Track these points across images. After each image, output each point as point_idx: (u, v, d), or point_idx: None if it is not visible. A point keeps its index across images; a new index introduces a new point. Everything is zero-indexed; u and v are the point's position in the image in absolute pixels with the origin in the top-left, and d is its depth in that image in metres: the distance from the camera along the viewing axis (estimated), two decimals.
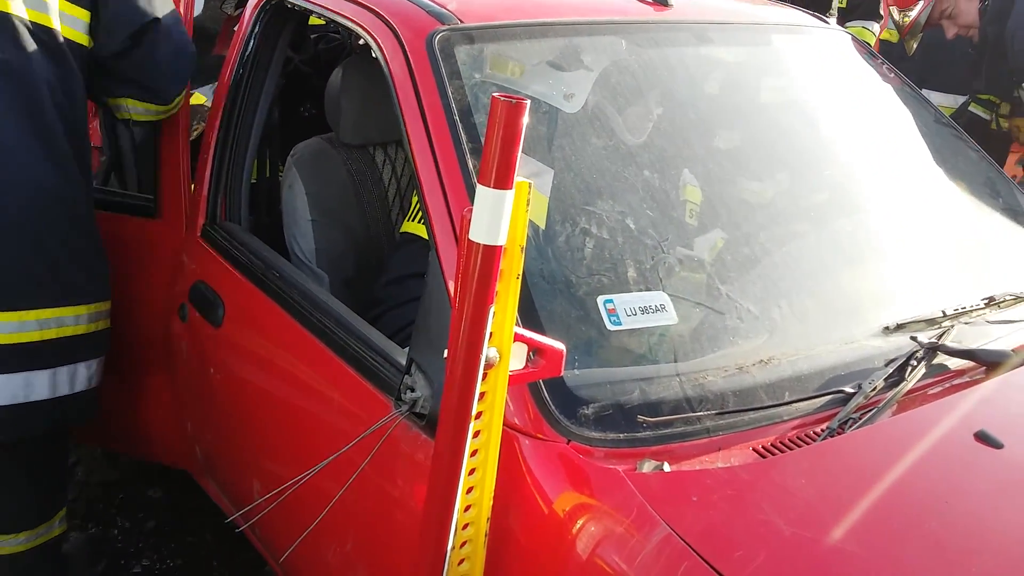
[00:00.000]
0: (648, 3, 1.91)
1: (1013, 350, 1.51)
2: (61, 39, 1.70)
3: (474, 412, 1.07)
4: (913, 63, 3.93)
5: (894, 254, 1.78)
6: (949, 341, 1.49)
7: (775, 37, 2.12)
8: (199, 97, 2.57)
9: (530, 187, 1.02)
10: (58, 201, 1.72)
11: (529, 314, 1.29)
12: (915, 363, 1.44)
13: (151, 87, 1.87)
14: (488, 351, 1.04)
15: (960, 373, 1.48)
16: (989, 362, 1.49)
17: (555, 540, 1.17)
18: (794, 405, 1.35)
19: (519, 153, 0.97)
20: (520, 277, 1.06)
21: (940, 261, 1.80)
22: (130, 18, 1.77)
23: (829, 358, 1.44)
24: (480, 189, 0.98)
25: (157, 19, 1.80)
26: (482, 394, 1.07)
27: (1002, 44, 3.41)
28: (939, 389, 1.45)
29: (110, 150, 2.58)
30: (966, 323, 1.57)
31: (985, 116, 3.85)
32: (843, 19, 4.40)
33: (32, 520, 1.88)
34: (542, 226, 1.44)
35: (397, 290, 1.73)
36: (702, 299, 1.47)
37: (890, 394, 1.38)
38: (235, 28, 2.09)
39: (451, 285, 1.32)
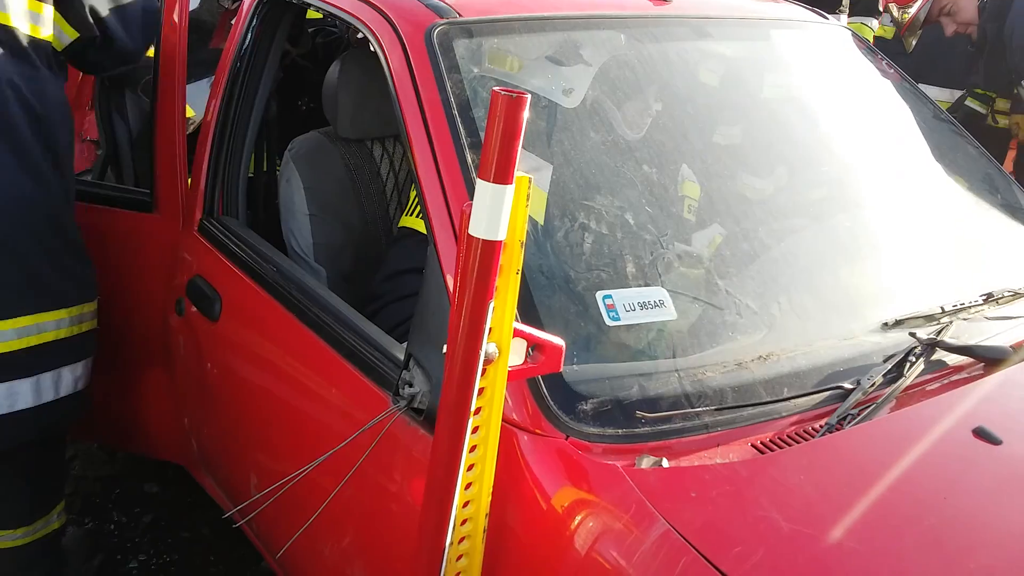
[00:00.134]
0: None
1: (1012, 346, 1.51)
2: (25, 40, 1.67)
3: (473, 408, 1.06)
4: (910, 58, 3.93)
5: (893, 250, 1.78)
6: (948, 337, 1.50)
7: (774, 32, 2.12)
8: (188, 111, 2.59)
9: (530, 182, 1.02)
10: (31, 208, 1.69)
11: (528, 310, 1.29)
12: (914, 359, 1.44)
13: (126, 61, 1.91)
14: (487, 347, 1.04)
15: (959, 369, 1.49)
16: (988, 358, 1.49)
17: (554, 536, 1.17)
18: (793, 401, 1.35)
19: (519, 148, 0.97)
20: (520, 272, 1.06)
21: (939, 257, 1.80)
22: (97, 8, 1.77)
23: (828, 354, 1.44)
24: (480, 184, 0.98)
25: (119, 6, 1.80)
26: (481, 389, 1.07)
27: (1001, 41, 3.41)
28: (938, 385, 1.45)
29: (106, 144, 2.58)
30: (965, 319, 1.57)
31: (981, 110, 3.85)
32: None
33: (30, 515, 1.88)
34: (541, 222, 1.44)
35: (395, 285, 1.73)
36: (701, 295, 1.46)
37: (889, 390, 1.38)
38: (232, 21, 2.08)
39: (450, 280, 1.32)
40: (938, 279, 1.72)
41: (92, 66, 1.98)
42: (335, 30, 2.82)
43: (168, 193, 2.02)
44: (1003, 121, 3.80)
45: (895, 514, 1.18)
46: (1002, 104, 3.79)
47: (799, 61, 2.13)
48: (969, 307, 1.60)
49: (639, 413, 1.26)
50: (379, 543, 1.47)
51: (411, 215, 1.82)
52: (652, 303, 1.39)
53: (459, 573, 1.16)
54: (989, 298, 1.64)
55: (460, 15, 1.61)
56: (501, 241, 1.00)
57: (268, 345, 1.76)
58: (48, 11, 1.72)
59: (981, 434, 1.30)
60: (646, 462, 1.20)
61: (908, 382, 1.40)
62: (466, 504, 1.13)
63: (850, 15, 4.43)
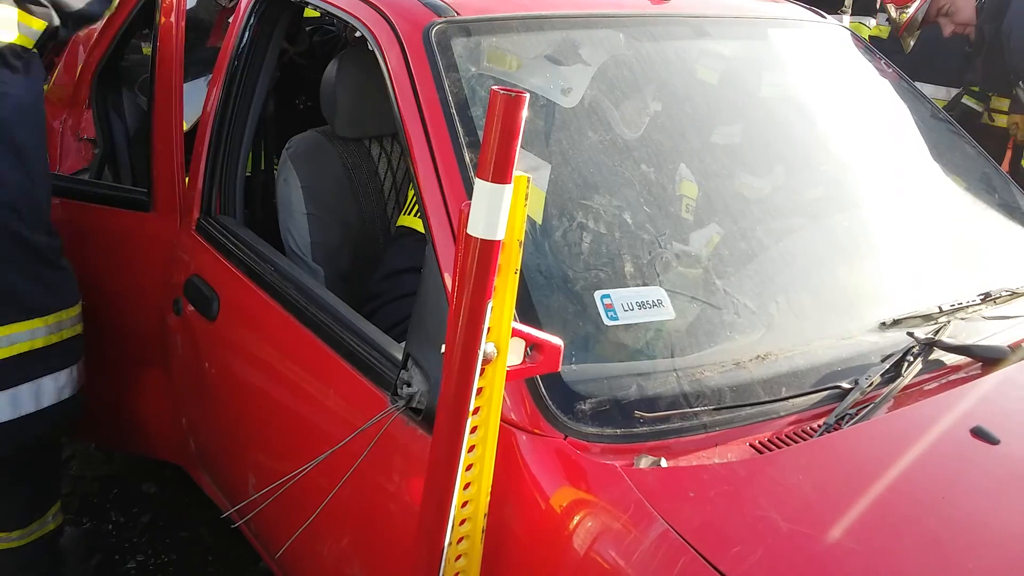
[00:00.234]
0: None
1: (1009, 346, 1.51)
2: None
3: (471, 407, 1.06)
4: (906, 56, 3.92)
5: (890, 250, 1.78)
6: (945, 337, 1.50)
7: (772, 32, 2.12)
8: None
9: (528, 181, 1.02)
10: None
11: (526, 309, 1.29)
12: (911, 359, 1.44)
13: (92, 21, 1.91)
14: (486, 346, 1.04)
15: (956, 369, 1.49)
16: (985, 358, 1.49)
17: (552, 536, 1.17)
18: (791, 401, 1.35)
19: (518, 147, 0.96)
20: (518, 272, 1.06)
21: (936, 257, 1.80)
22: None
23: (826, 354, 1.44)
24: (478, 183, 0.98)
25: None
26: (479, 389, 1.07)
27: (998, 42, 3.41)
28: (935, 385, 1.45)
29: (103, 142, 2.57)
30: (962, 319, 1.57)
31: (977, 108, 3.85)
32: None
33: (26, 517, 1.88)
34: (539, 221, 1.43)
35: (393, 284, 1.73)
36: (699, 294, 1.46)
37: (886, 390, 1.38)
38: (229, 20, 2.08)
39: (448, 280, 1.32)
40: (936, 279, 1.72)
41: (64, 40, 1.94)
42: (333, 28, 2.82)
43: (165, 192, 2.01)
44: (1000, 120, 3.81)
45: (893, 514, 1.18)
46: (998, 103, 3.79)
47: (797, 60, 2.13)
48: (967, 307, 1.60)
49: (637, 413, 1.26)
50: (377, 543, 1.47)
51: (409, 214, 1.82)
52: (650, 303, 1.38)
53: (458, 573, 1.15)
54: (987, 298, 1.64)
55: (458, 14, 1.61)
56: (500, 241, 1.00)
57: (266, 344, 1.76)
58: (9, 13, 1.68)
59: (979, 434, 1.30)
60: (644, 462, 1.20)
61: (906, 382, 1.40)
62: (465, 504, 1.13)
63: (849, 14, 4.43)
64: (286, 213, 2.00)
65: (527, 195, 1.02)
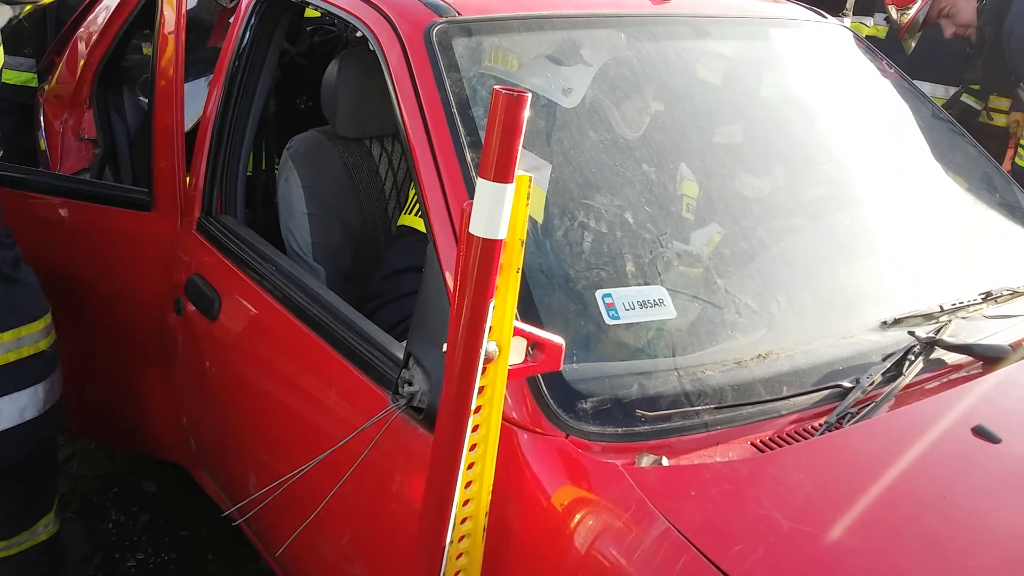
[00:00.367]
0: None
1: (1010, 345, 1.52)
2: None
3: (473, 406, 1.06)
4: (905, 56, 3.92)
5: (891, 249, 1.78)
6: (946, 336, 1.50)
7: (773, 31, 2.12)
8: None
9: (530, 181, 1.02)
10: None
11: (528, 308, 1.29)
12: (912, 358, 1.44)
13: None
14: (487, 345, 1.04)
15: (957, 368, 1.49)
16: (986, 357, 1.49)
17: (554, 534, 1.17)
18: (792, 400, 1.35)
19: (520, 147, 0.97)
20: (520, 271, 1.06)
21: (937, 256, 1.80)
22: None
23: (827, 353, 1.44)
24: (480, 183, 0.98)
25: None
26: (481, 388, 1.07)
27: (999, 43, 3.41)
28: (936, 384, 1.45)
29: (104, 142, 2.58)
30: (963, 318, 1.57)
31: (976, 106, 3.85)
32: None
33: (22, 524, 1.86)
34: (540, 220, 1.44)
35: (394, 283, 1.73)
36: (700, 294, 1.46)
37: (888, 389, 1.38)
38: (230, 20, 2.08)
39: (449, 279, 1.32)
40: (937, 278, 1.73)
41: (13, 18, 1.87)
42: (333, 28, 2.82)
43: (166, 192, 2.01)
44: (998, 119, 3.81)
45: (894, 512, 1.18)
46: (996, 102, 3.79)
47: (798, 60, 2.13)
48: (968, 306, 1.60)
49: (639, 412, 1.26)
50: (378, 542, 1.47)
51: (410, 214, 1.82)
52: (651, 302, 1.39)
53: (459, 572, 1.16)
54: (988, 297, 1.64)
55: (459, 14, 1.61)
56: (501, 240, 1.00)
57: (267, 344, 1.76)
58: None
59: (980, 432, 1.30)
60: (646, 460, 1.20)
61: (907, 381, 1.40)
62: (466, 503, 1.13)
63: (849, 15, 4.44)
64: (287, 213, 2.00)
65: (529, 194, 1.02)
